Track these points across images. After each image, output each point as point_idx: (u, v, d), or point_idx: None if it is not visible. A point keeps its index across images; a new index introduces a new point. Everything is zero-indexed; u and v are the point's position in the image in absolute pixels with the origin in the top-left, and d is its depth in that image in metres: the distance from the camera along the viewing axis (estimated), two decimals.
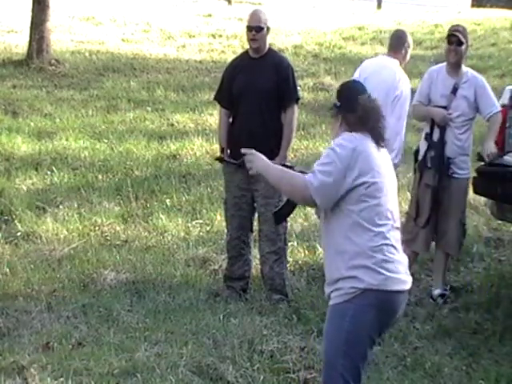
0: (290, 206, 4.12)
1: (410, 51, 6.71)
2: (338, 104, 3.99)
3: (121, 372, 4.97)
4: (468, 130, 6.30)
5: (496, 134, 6.24)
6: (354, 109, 3.90)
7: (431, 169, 6.31)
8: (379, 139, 3.91)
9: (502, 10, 19.18)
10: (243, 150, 4.06)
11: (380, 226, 3.81)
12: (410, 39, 6.67)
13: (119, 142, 9.65)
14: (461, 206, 6.39)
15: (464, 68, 6.34)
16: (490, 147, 6.12)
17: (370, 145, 3.86)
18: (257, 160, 3.99)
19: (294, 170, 4.02)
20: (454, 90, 6.25)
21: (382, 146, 3.91)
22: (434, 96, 6.33)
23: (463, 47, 6.25)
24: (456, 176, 6.29)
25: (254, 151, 4.03)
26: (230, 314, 5.84)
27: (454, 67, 6.29)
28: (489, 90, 6.31)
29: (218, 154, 4.22)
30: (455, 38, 6.24)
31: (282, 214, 4.24)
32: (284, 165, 4.13)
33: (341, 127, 3.96)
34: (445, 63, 6.38)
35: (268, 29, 6.18)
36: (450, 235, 6.37)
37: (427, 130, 6.39)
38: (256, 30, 6.11)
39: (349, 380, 3.84)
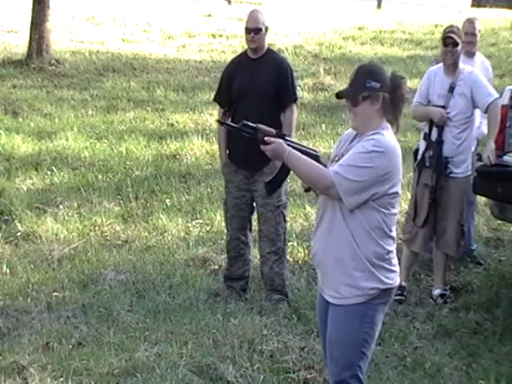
0: (282, 175, 4.03)
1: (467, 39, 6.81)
2: (378, 85, 3.78)
3: (121, 372, 4.98)
4: (467, 129, 6.31)
5: (496, 128, 6.21)
6: (395, 87, 3.79)
7: (429, 168, 6.33)
8: (398, 126, 3.86)
9: (502, 9, 19.18)
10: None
11: (393, 231, 3.87)
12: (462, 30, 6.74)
13: (119, 142, 9.65)
14: (459, 207, 6.38)
15: (460, 65, 6.35)
16: (490, 149, 6.11)
17: (399, 147, 3.80)
18: (278, 147, 3.83)
19: (285, 139, 3.89)
20: (451, 89, 6.26)
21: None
22: (432, 97, 6.35)
23: (459, 48, 6.28)
24: (453, 176, 6.29)
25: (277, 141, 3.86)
26: (230, 314, 5.84)
27: (452, 67, 6.31)
28: (482, 82, 6.30)
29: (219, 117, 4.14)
30: (451, 39, 6.26)
31: (275, 184, 4.13)
32: (279, 133, 3.99)
33: (377, 111, 3.79)
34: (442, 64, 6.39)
35: (266, 29, 6.18)
36: (448, 235, 6.38)
37: (426, 129, 6.40)
38: (254, 31, 6.10)
39: (361, 378, 3.90)
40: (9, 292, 6.08)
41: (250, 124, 4.02)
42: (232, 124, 4.37)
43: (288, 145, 3.87)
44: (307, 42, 15.40)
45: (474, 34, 6.96)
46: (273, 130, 3.97)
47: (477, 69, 6.71)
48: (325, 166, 3.86)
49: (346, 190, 3.71)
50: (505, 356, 5.52)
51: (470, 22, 7.10)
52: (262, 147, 3.88)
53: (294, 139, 4.23)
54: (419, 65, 13.16)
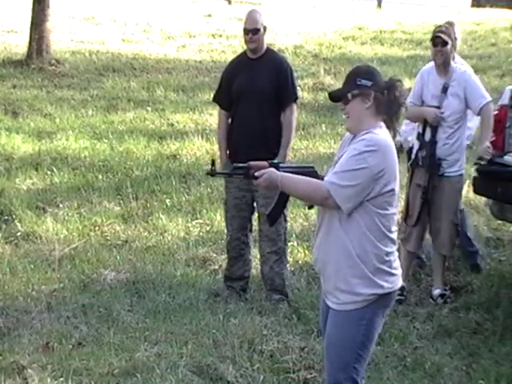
0: (281, 204, 4.05)
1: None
2: (369, 83, 3.78)
3: (121, 372, 4.98)
4: (460, 128, 6.31)
5: (490, 131, 6.21)
6: (389, 88, 3.78)
7: (422, 168, 6.33)
8: (395, 130, 3.84)
9: (502, 9, 19.19)
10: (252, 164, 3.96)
11: (393, 232, 3.85)
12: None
13: (119, 142, 9.65)
14: (453, 206, 6.38)
15: (453, 65, 6.35)
16: (485, 146, 6.11)
17: (393, 144, 3.79)
18: (269, 177, 3.82)
19: (278, 167, 3.89)
20: (445, 90, 6.26)
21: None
22: (425, 97, 6.35)
23: (448, 47, 6.26)
24: (447, 175, 6.30)
25: (266, 171, 3.84)
26: (230, 314, 5.84)
27: (443, 67, 6.31)
28: (476, 84, 6.30)
29: (209, 167, 4.09)
30: (439, 39, 6.26)
31: (275, 214, 4.15)
32: (272, 163, 3.98)
33: (369, 110, 3.79)
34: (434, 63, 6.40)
35: (265, 28, 6.17)
36: (442, 235, 6.38)
37: (419, 129, 6.41)
38: (253, 32, 6.10)
39: (357, 380, 3.89)
40: (9, 292, 6.09)
41: (241, 165, 4.02)
42: (224, 171, 4.37)
43: (284, 170, 3.88)
44: (307, 42, 15.41)
45: (455, 39, 6.90)
46: (265, 163, 3.96)
47: None
48: (322, 178, 3.85)
49: (344, 197, 3.70)
50: (505, 356, 5.52)
51: (450, 25, 6.98)
52: (255, 182, 3.90)
53: (288, 162, 4.23)
54: (419, 65, 13.12)
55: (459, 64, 6.50)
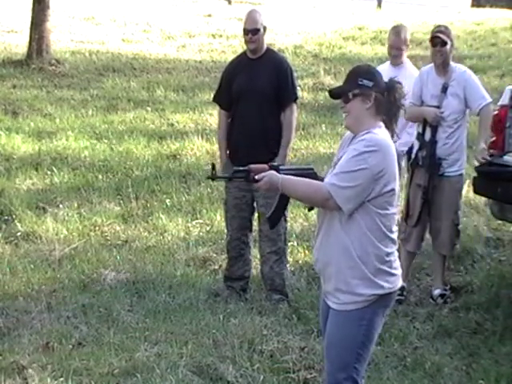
0: (282, 206, 4.06)
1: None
2: (371, 84, 3.78)
3: (121, 372, 4.98)
4: (460, 127, 6.31)
5: (487, 131, 6.21)
6: (390, 90, 3.79)
7: (422, 167, 6.33)
8: (394, 131, 3.84)
9: (502, 9, 19.19)
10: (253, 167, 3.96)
11: (393, 232, 3.85)
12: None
13: (119, 142, 9.66)
14: (453, 206, 6.38)
15: (452, 65, 6.35)
16: (480, 148, 6.11)
17: (392, 144, 3.79)
18: (270, 179, 3.83)
19: (279, 170, 3.90)
20: (444, 90, 6.26)
21: (395, 141, 3.85)
22: (425, 97, 6.35)
23: (447, 47, 6.26)
24: (447, 175, 6.30)
25: (267, 173, 3.85)
26: (230, 314, 5.84)
27: (442, 67, 6.31)
28: (476, 84, 6.31)
29: (210, 170, 4.09)
30: (438, 39, 6.26)
31: (276, 216, 4.16)
32: (272, 166, 4.00)
33: (369, 111, 3.79)
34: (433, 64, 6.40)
35: (264, 29, 6.18)
36: (442, 236, 6.38)
37: (419, 129, 6.41)
38: (252, 32, 6.10)
39: (357, 380, 3.89)
40: (9, 292, 6.09)
41: (241, 168, 4.04)
42: (224, 175, 4.38)
43: (283, 172, 3.88)
44: (307, 42, 15.41)
45: (400, 49, 6.89)
46: (265, 166, 3.97)
47: (402, 77, 6.62)
48: (322, 179, 3.85)
49: (344, 198, 3.70)
50: (505, 356, 5.51)
51: (396, 34, 6.94)
52: (256, 185, 3.91)
53: (288, 162, 4.23)
54: (419, 65, 13.13)
55: (458, 64, 6.50)
